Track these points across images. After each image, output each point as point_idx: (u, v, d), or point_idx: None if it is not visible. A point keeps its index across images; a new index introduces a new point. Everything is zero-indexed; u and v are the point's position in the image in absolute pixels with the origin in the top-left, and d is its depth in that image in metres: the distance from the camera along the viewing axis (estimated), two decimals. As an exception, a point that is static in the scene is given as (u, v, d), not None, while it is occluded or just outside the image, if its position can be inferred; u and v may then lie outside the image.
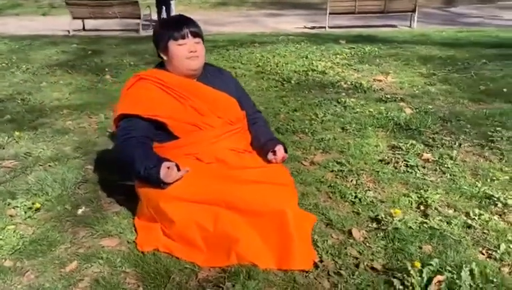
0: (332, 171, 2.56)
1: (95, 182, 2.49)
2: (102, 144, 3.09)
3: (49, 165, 2.71)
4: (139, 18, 10.14)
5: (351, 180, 2.45)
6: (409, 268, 1.60)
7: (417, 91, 4.14)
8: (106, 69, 5.56)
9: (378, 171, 2.54)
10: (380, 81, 4.58)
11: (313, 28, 10.49)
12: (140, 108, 1.96)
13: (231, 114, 2.10)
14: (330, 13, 10.19)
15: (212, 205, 1.82)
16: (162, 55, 2.06)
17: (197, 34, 2.03)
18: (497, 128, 3.08)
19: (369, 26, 10.02)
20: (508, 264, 1.72)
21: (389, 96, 3.97)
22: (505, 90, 4.02)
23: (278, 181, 1.94)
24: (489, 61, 5.26)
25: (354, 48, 6.57)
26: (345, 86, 4.42)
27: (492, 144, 2.84)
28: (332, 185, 2.39)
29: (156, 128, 1.99)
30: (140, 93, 2.01)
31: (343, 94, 4.13)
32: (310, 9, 15.77)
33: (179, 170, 1.81)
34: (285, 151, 2.10)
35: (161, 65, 2.13)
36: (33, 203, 2.22)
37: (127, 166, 1.90)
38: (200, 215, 1.80)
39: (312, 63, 5.48)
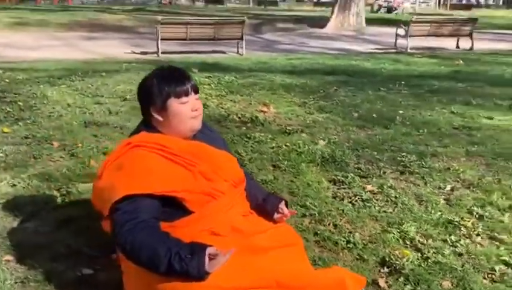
0: (304, 216, 2.50)
1: None
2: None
3: None
4: None
5: (329, 224, 2.44)
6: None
7: (308, 121, 4.40)
8: None
9: (343, 210, 2.60)
10: (265, 112, 4.71)
11: (144, 53, 10.16)
12: (151, 184, 1.57)
13: (235, 175, 1.87)
14: (162, 39, 10.04)
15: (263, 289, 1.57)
16: (155, 114, 1.69)
17: (198, 89, 1.74)
18: (401, 153, 3.50)
19: (200, 52, 10.24)
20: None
21: (289, 128, 4.10)
22: (374, 115, 4.60)
23: (295, 241, 1.86)
24: (338, 87, 5.96)
25: (211, 76, 6.59)
26: (238, 119, 4.39)
27: (408, 169, 3.23)
28: (317, 233, 2.33)
29: (162, 206, 1.62)
30: (143, 166, 1.60)
31: (244, 128, 4.10)
32: (126, 32, 15.24)
33: None
34: (286, 205, 1.97)
35: (147, 126, 1.74)
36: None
37: (142, 261, 1.48)
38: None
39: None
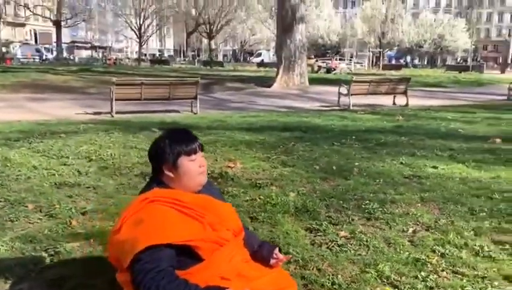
0: (289, 262, 2.70)
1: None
2: None
3: None
4: None
5: (312, 268, 2.65)
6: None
7: (274, 174, 4.68)
8: None
9: (323, 255, 2.83)
10: (233, 167, 4.94)
11: (98, 113, 10.20)
12: (169, 235, 1.75)
13: (236, 225, 2.07)
14: (116, 99, 10.17)
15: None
16: (167, 172, 1.88)
17: (203, 147, 1.98)
18: (364, 201, 3.83)
19: (154, 111, 10.45)
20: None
21: (259, 181, 4.35)
22: (334, 167, 4.97)
23: (291, 284, 2.05)
24: (296, 143, 6.36)
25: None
26: (208, 175, 4.55)
27: (373, 215, 3.54)
28: (304, 276, 2.53)
29: (177, 255, 1.78)
30: (161, 219, 1.78)
31: (216, 184, 4.27)
32: (74, 93, 15.20)
33: None
34: (280, 251, 2.17)
35: (159, 183, 1.93)
36: None
37: None
38: None
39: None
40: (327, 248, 2.96)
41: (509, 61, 49.65)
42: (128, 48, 79.24)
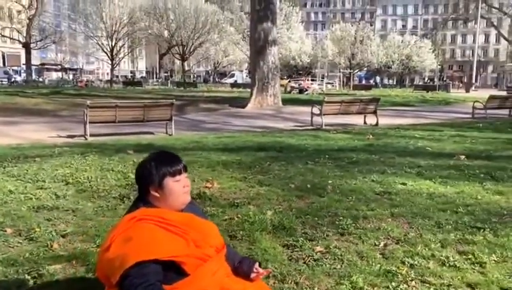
0: (268, 277, 2.82)
1: None
2: None
3: None
4: None
5: (290, 282, 2.78)
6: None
7: (251, 194, 4.81)
8: None
9: (300, 269, 2.96)
10: (210, 187, 5.05)
11: (72, 136, 10.16)
12: (157, 251, 1.86)
13: (218, 242, 2.19)
14: (90, 122, 10.16)
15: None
16: (153, 192, 2.00)
17: (187, 168, 2.11)
18: (338, 218, 4.01)
19: (129, 133, 10.47)
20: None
21: (236, 201, 4.47)
22: (308, 186, 5.15)
23: None
24: (271, 163, 6.52)
25: (148, 157, 6.85)
26: (187, 196, 4.66)
27: (346, 231, 3.71)
28: (283, 290, 2.66)
29: (163, 270, 1.89)
30: (149, 236, 1.89)
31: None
32: (46, 116, 15.05)
33: None
34: (260, 266, 2.30)
35: (145, 202, 2.04)
36: None
37: None
38: None
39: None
40: (304, 262, 3.10)
41: (473, 81, 51.89)
42: (99, 70, 78.66)
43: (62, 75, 60.17)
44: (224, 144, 8.63)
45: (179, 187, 2.02)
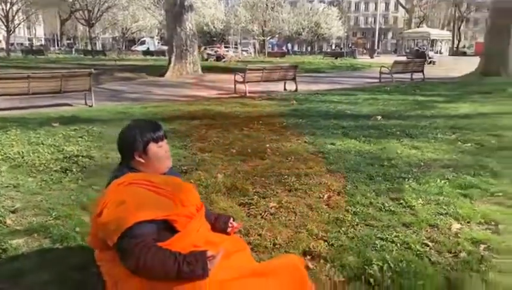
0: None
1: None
2: None
3: None
4: None
5: (254, 235, 3.05)
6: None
7: (196, 160, 4.97)
8: None
9: (260, 223, 3.25)
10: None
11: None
12: (153, 212, 1.99)
13: (198, 201, 2.38)
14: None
15: (248, 277, 2.10)
16: (137, 158, 2.12)
17: (166, 135, 2.25)
18: (283, 177, 4.34)
19: (43, 106, 9.86)
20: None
21: (184, 167, 4.63)
22: (249, 150, 5.41)
23: (245, 246, 2.46)
24: (207, 130, 6.67)
25: (77, 129, 6.66)
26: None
27: (293, 187, 4.06)
28: (249, 242, 2.92)
29: (157, 229, 2.04)
30: (142, 198, 2.02)
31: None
32: None
33: None
34: (233, 220, 2.54)
35: (130, 168, 2.15)
36: None
37: (155, 272, 1.89)
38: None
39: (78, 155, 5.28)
40: (262, 217, 3.38)
41: (375, 47, 55.34)
42: (-9, 37, 70.82)
43: None
44: (152, 113, 8.56)
45: (162, 152, 2.16)
